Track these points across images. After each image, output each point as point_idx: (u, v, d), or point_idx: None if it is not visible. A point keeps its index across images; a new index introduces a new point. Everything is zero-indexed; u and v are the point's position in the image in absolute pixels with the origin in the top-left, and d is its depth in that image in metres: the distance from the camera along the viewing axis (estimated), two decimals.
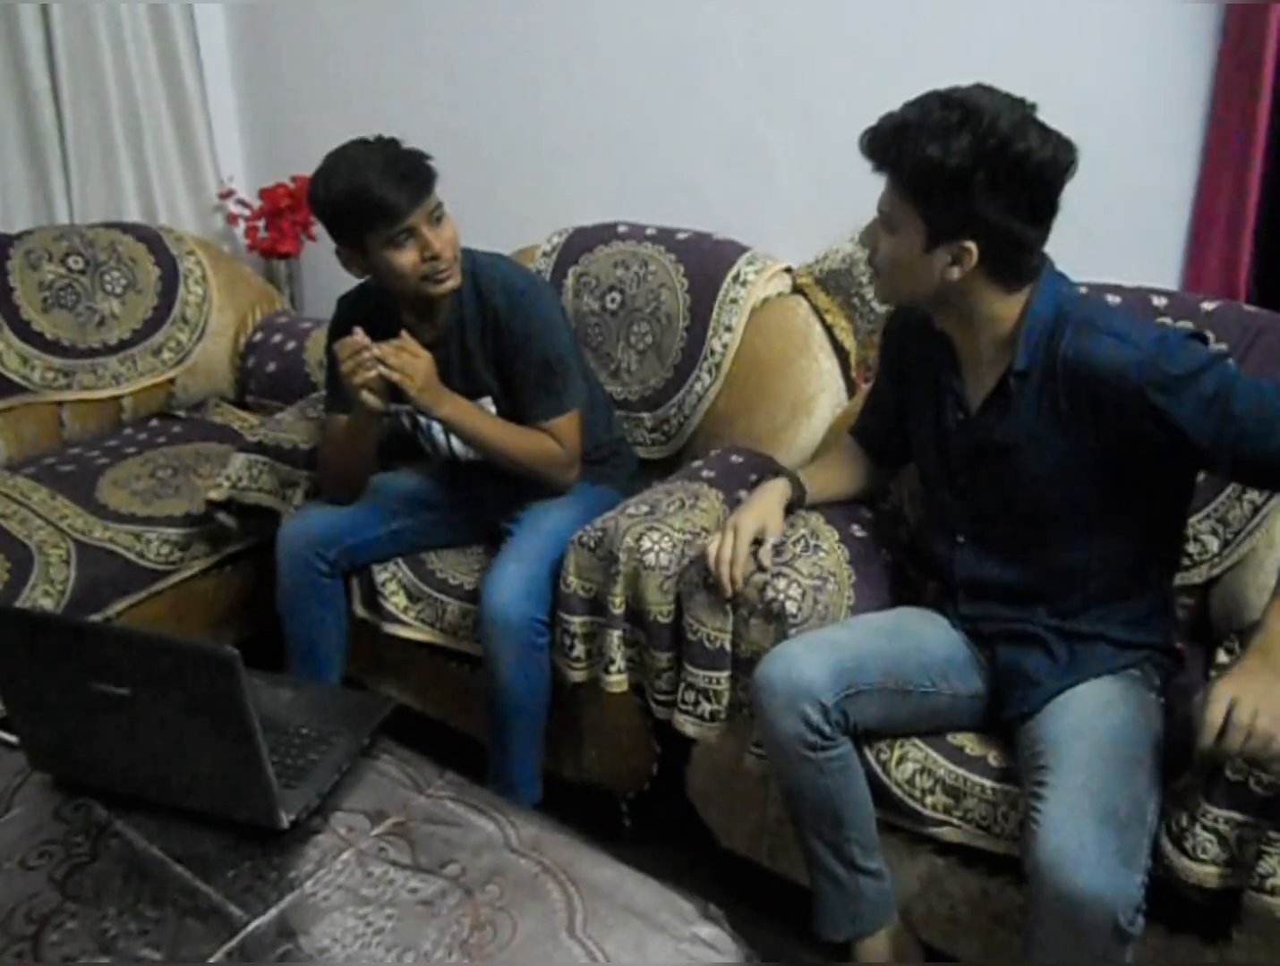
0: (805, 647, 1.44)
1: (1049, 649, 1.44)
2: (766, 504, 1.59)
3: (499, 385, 1.85)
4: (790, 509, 1.63)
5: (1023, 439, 1.40)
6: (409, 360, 1.69)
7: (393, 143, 1.71)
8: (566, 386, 1.82)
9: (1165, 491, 1.42)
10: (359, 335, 1.69)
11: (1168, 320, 1.69)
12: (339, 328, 1.81)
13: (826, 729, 1.38)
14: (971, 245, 1.30)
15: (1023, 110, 1.29)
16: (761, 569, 1.53)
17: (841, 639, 1.47)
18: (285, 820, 1.22)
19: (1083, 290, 1.76)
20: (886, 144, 1.31)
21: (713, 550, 1.53)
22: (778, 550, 1.56)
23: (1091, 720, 1.34)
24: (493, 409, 1.87)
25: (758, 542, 1.55)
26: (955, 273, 1.33)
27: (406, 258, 1.69)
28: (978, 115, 1.25)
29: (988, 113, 1.25)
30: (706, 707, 1.59)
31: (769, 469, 1.72)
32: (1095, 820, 1.19)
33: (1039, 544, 1.45)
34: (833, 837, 1.44)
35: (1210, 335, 1.56)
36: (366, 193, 1.64)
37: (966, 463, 1.47)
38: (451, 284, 1.74)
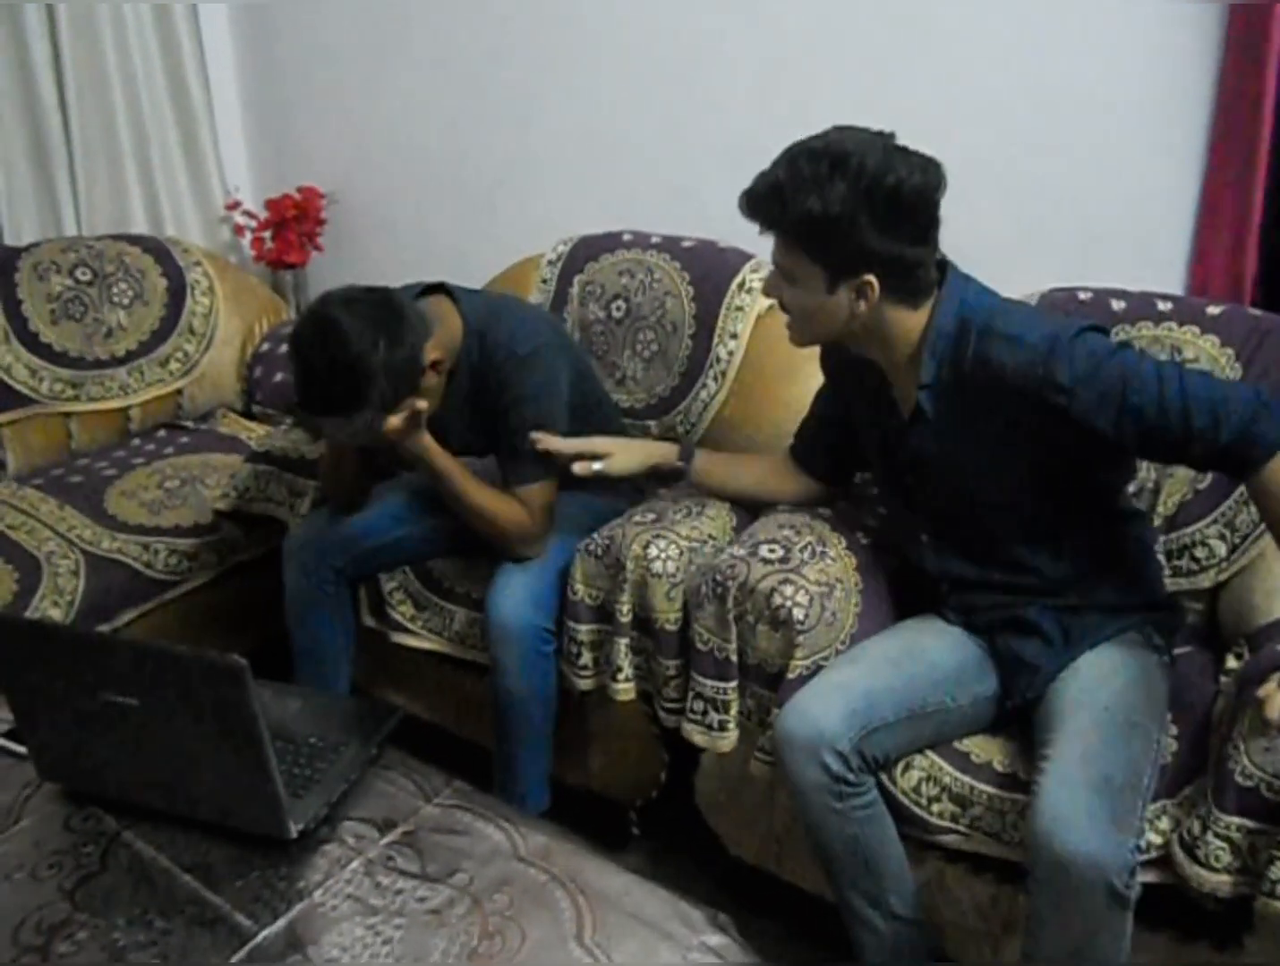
0: (815, 697, 1.44)
1: (1043, 633, 1.47)
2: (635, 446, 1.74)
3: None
4: (666, 479, 1.75)
5: (947, 446, 1.44)
6: None
7: (337, 361, 1.55)
8: (547, 455, 1.74)
9: (1093, 462, 1.45)
10: None
11: (1172, 324, 1.70)
12: None
13: (849, 775, 1.39)
14: (871, 277, 1.35)
15: (883, 142, 1.33)
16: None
17: (849, 679, 1.46)
18: (293, 829, 1.22)
19: (1084, 295, 1.77)
20: (765, 206, 1.36)
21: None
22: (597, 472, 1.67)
23: (1092, 691, 1.39)
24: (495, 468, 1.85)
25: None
26: (862, 306, 1.38)
27: None
28: (845, 160, 1.30)
29: (854, 155, 1.30)
30: (715, 717, 1.58)
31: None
32: (1089, 788, 1.23)
33: (997, 539, 1.49)
34: (868, 887, 1.43)
35: (1106, 326, 1.57)
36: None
37: (909, 469, 1.52)
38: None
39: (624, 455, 1.71)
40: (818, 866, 1.48)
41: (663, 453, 1.75)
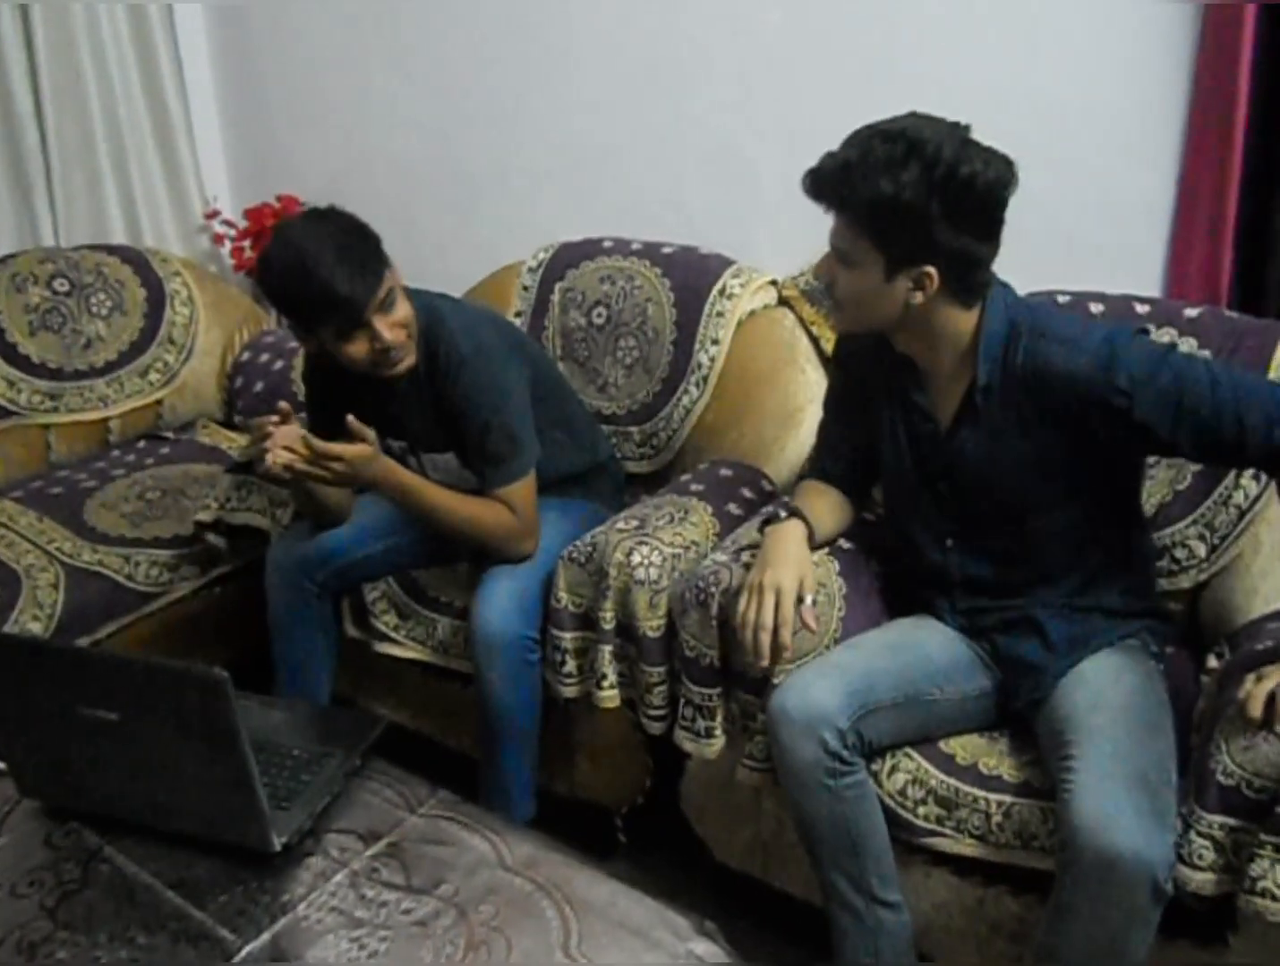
0: (815, 674, 1.44)
1: (1045, 635, 1.47)
2: (799, 554, 1.47)
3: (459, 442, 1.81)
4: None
5: (994, 449, 1.44)
6: (316, 473, 1.62)
7: (343, 227, 1.62)
8: (516, 453, 1.73)
9: (1128, 467, 1.49)
10: (279, 412, 1.65)
11: (1150, 327, 1.70)
12: (313, 356, 1.80)
13: (844, 753, 1.39)
14: (931, 269, 1.34)
15: (960, 133, 1.32)
16: (810, 630, 1.45)
17: (848, 661, 1.47)
18: (277, 842, 1.21)
19: (1063, 298, 1.79)
20: (834, 184, 1.33)
21: (751, 616, 1.42)
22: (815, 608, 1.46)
23: (1105, 691, 1.39)
24: (456, 465, 1.84)
25: (800, 599, 1.44)
26: (918, 297, 1.36)
27: (357, 348, 1.64)
28: (921, 145, 1.28)
29: (930, 142, 1.28)
30: (702, 724, 1.58)
31: (776, 508, 1.60)
32: (1126, 783, 1.23)
33: (1024, 540, 1.49)
34: (851, 868, 1.43)
35: (1151, 327, 1.63)
36: (319, 291, 1.56)
37: (943, 473, 1.50)
38: (406, 364, 1.69)
39: (808, 572, 1.47)
40: (802, 847, 1.48)
41: (804, 536, 1.52)
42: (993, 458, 1.44)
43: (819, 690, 1.40)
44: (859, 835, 1.42)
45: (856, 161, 1.30)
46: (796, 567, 1.46)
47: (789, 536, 1.50)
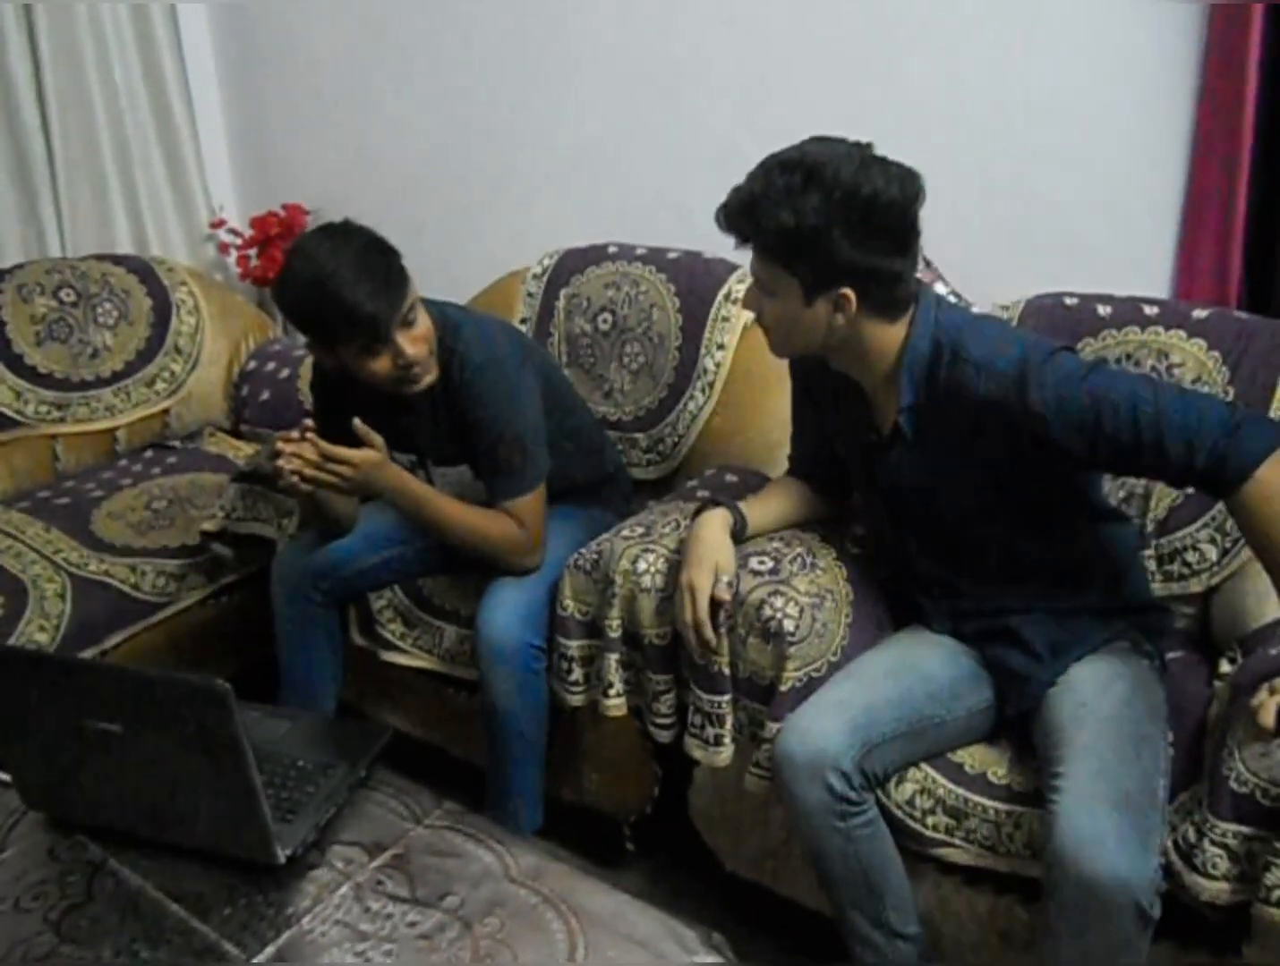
0: (815, 715, 1.42)
1: (1028, 645, 1.46)
2: (712, 543, 1.53)
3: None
4: (734, 539, 1.57)
5: (926, 467, 1.44)
6: (326, 478, 1.62)
7: (363, 242, 1.61)
8: (526, 464, 1.72)
9: (1069, 476, 1.45)
10: (301, 431, 1.63)
11: (1159, 328, 1.69)
12: (322, 366, 1.80)
13: (852, 794, 1.38)
14: (848, 290, 1.34)
15: (860, 153, 1.32)
16: (721, 604, 1.49)
17: (847, 696, 1.45)
18: (281, 855, 1.20)
19: (1071, 300, 1.77)
20: (741, 219, 1.35)
21: (685, 618, 1.50)
22: (734, 588, 1.52)
23: (1092, 703, 1.37)
24: (468, 478, 1.84)
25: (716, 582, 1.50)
26: (840, 319, 1.37)
27: (380, 365, 1.62)
28: (819, 172, 1.29)
29: (828, 166, 1.29)
30: (711, 731, 1.57)
31: (707, 501, 1.63)
32: (1109, 805, 1.22)
33: (982, 551, 1.49)
34: (869, 905, 1.42)
35: (1074, 346, 1.60)
36: (343, 310, 1.55)
37: (890, 485, 1.51)
38: (428, 380, 1.69)
39: (723, 558, 1.53)
40: (818, 887, 1.47)
41: (725, 522, 1.57)
42: (930, 472, 1.44)
43: (820, 732, 1.39)
44: (874, 873, 1.41)
45: (759, 195, 1.32)
46: (711, 556, 1.51)
47: (705, 525, 1.56)
